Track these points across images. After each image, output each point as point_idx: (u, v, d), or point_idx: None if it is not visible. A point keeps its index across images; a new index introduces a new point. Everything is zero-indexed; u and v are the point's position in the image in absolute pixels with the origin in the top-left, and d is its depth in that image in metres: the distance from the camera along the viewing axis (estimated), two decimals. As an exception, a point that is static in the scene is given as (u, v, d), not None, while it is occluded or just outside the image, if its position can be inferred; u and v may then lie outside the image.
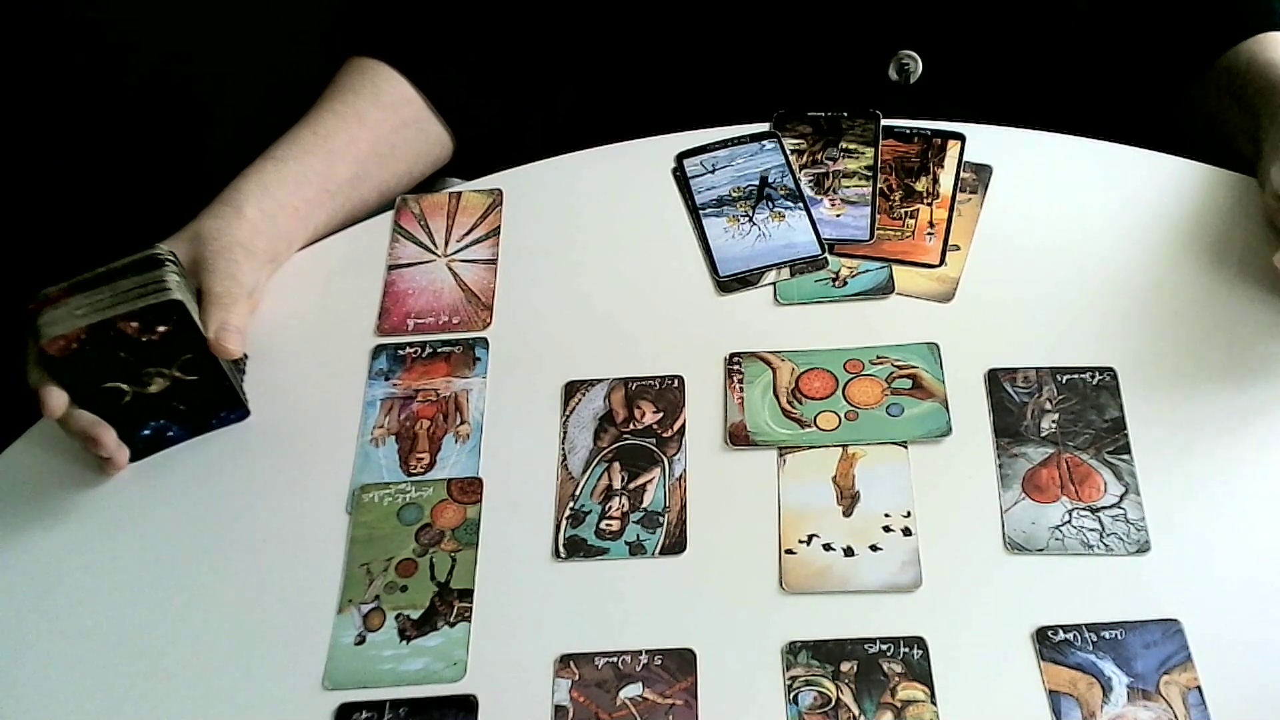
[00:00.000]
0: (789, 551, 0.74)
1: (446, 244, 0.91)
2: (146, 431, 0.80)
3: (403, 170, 0.96)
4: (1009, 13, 0.97)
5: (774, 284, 0.86)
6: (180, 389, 0.79)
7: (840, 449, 0.78)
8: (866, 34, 0.97)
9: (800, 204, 0.90)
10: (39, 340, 0.74)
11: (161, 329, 0.75)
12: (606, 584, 0.74)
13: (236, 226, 0.84)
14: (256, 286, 0.85)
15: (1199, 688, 0.68)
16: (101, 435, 0.78)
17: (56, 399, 0.76)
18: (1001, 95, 0.99)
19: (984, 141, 0.92)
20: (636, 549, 0.75)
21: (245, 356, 0.84)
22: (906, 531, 0.75)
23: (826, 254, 0.88)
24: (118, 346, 0.75)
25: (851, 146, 0.93)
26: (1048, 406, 0.79)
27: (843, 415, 0.80)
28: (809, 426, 0.79)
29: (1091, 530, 0.74)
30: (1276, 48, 0.93)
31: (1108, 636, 0.70)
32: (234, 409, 0.82)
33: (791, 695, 0.69)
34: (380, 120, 0.94)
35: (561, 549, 0.76)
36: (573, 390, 0.82)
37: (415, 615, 0.74)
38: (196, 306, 0.79)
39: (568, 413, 0.81)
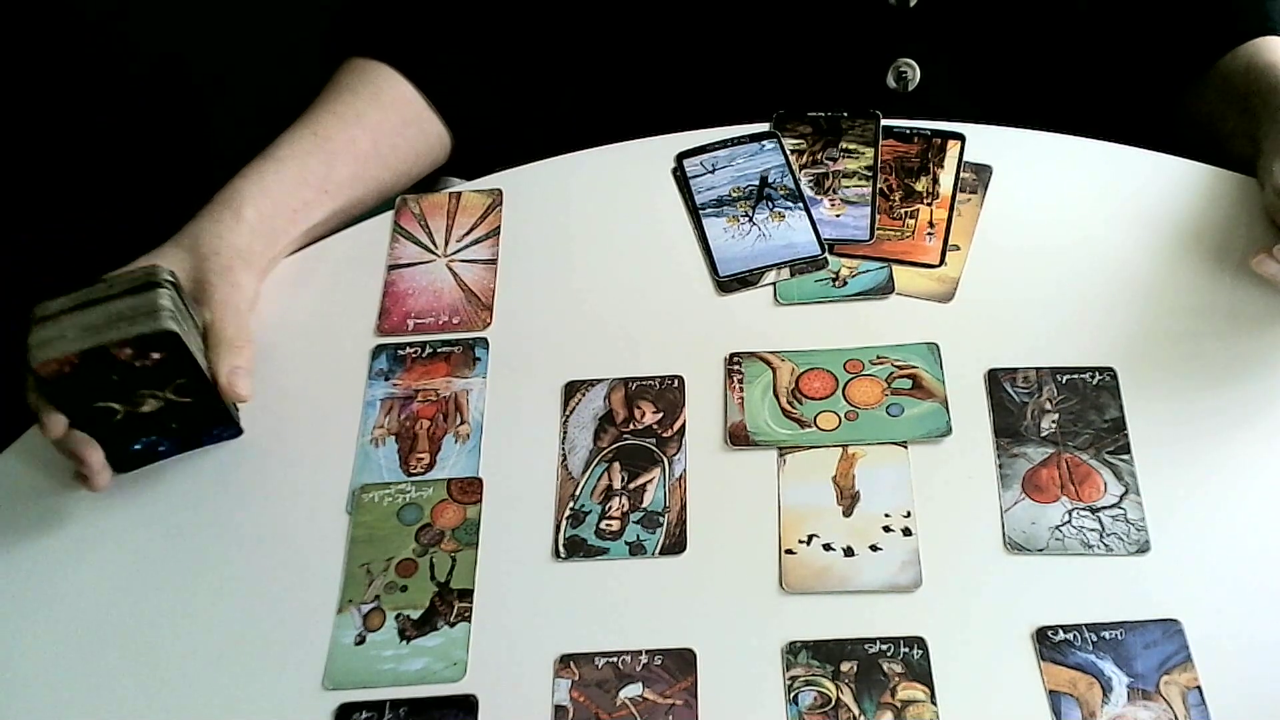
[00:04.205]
0: (789, 551, 0.74)
1: (446, 244, 0.91)
2: (138, 446, 0.79)
3: (402, 170, 0.96)
4: (1007, 20, 0.97)
5: (774, 284, 0.86)
6: (174, 409, 0.78)
7: (840, 449, 0.78)
8: (865, 43, 0.97)
9: (800, 204, 0.90)
10: (31, 363, 0.73)
11: (156, 355, 0.74)
12: (606, 584, 0.74)
13: (235, 233, 0.84)
14: (256, 296, 0.85)
15: (1199, 688, 0.68)
16: (89, 455, 0.77)
17: (55, 423, 0.75)
18: (1000, 100, 0.99)
19: (984, 141, 0.92)
20: (636, 549, 0.75)
21: None
22: (906, 531, 0.75)
23: (826, 254, 0.88)
24: (110, 370, 0.74)
25: (851, 146, 0.93)
26: (1048, 406, 0.79)
27: (843, 415, 0.80)
28: (809, 426, 0.79)
29: (1091, 530, 0.74)
30: (1274, 51, 0.93)
31: (1108, 636, 0.70)
32: (227, 426, 0.81)
33: (791, 695, 0.69)
34: (380, 121, 0.94)
35: (561, 549, 0.76)
36: (573, 390, 0.82)
37: (415, 615, 0.74)
38: (196, 331, 0.78)
39: (568, 413, 0.81)
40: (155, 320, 0.74)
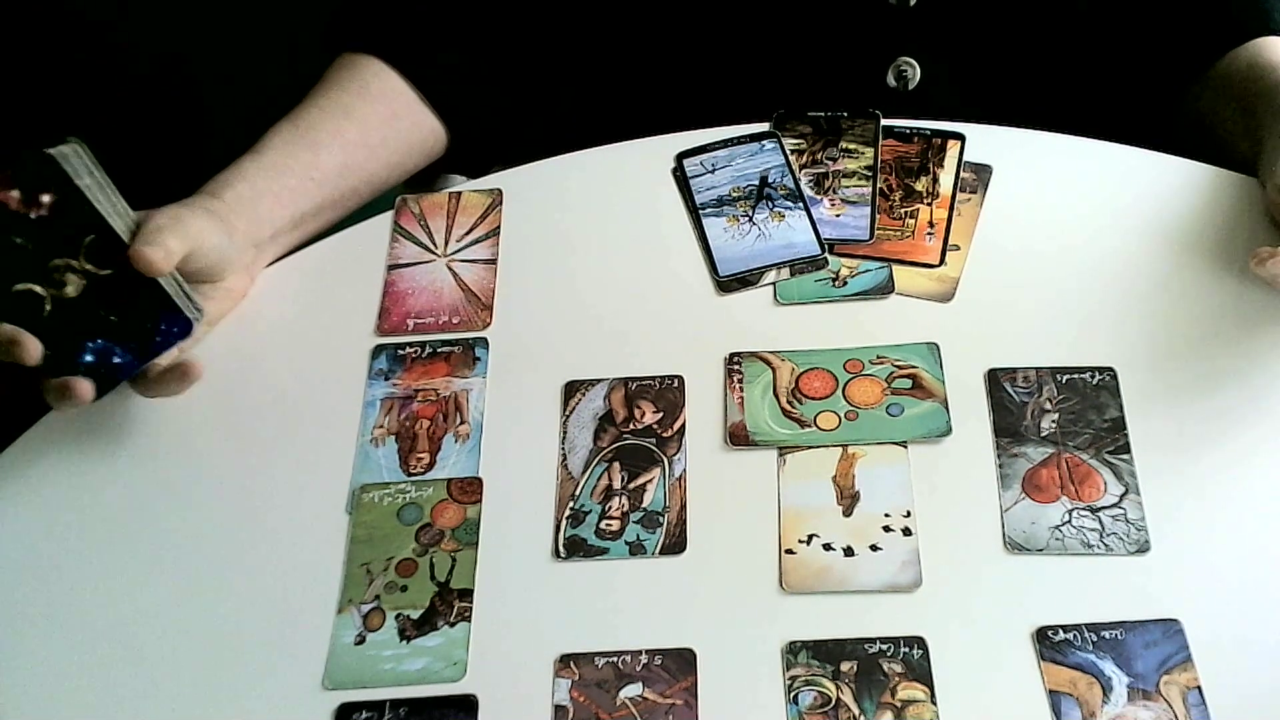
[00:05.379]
0: (789, 551, 0.74)
1: (446, 244, 0.91)
2: (89, 358, 0.76)
3: (395, 162, 0.95)
4: (1008, 20, 0.97)
5: (774, 284, 0.86)
6: (102, 290, 0.74)
7: (840, 449, 0.78)
8: (865, 42, 0.97)
9: (800, 204, 0.90)
10: None
11: (46, 198, 0.70)
12: (606, 584, 0.74)
13: (207, 205, 0.83)
14: (225, 258, 0.83)
15: (1199, 688, 0.68)
16: (22, 340, 0.74)
17: None
18: (1000, 100, 0.99)
19: (984, 141, 0.92)
20: (636, 549, 0.75)
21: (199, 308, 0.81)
22: (906, 531, 0.75)
23: (826, 254, 0.88)
24: (9, 229, 0.71)
25: (851, 146, 0.93)
26: (1048, 406, 0.79)
27: (843, 415, 0.80)
28: (809, 426, 0.79)
29: (1091, 530, 0.74)
30: (1275, 51, 0.93)
31: (1108, 636, 0.70)
32: (174, 319, 0.77)
33: (791, 695, 0.69)
34: (368, 113, 0.93)
35: (561, 549, 0.76)
36: (573, 390, 0.82)
37: (415, 615, 0.74)
38: (121, 214, 0.76)
39: (568, 413, 0.81)
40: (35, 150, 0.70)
